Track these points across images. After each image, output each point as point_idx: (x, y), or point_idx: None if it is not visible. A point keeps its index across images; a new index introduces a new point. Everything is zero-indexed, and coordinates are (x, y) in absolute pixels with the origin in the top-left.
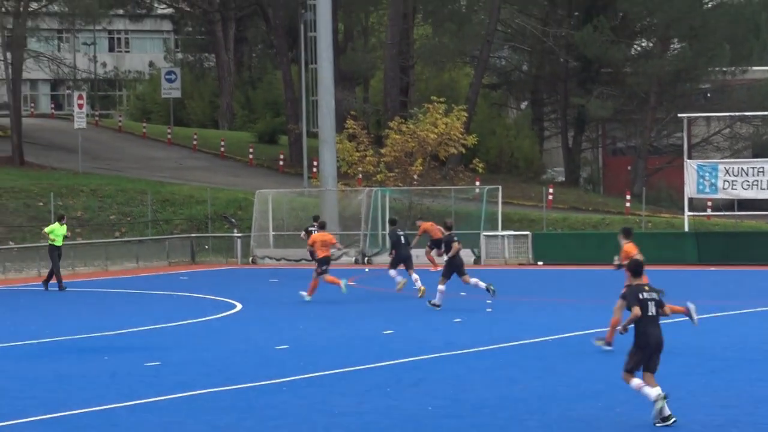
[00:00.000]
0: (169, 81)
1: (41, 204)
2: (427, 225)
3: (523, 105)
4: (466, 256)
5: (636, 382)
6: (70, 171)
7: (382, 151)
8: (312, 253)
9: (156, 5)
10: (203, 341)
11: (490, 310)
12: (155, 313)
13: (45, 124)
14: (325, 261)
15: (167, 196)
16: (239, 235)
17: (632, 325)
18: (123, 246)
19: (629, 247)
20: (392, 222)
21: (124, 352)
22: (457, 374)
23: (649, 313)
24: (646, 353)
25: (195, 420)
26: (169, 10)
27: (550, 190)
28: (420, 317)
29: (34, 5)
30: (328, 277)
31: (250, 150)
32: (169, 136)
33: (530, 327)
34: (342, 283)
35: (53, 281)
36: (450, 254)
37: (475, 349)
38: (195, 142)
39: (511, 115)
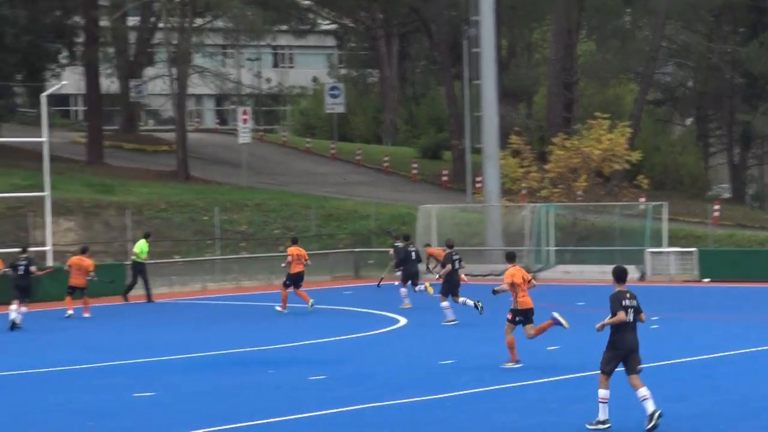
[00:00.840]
0: (333, 96)
1: (206, 218)
2: (433, 250)
3: (688, 121)
4: (632, 271)
5: (603, 393)
6: (235, 185)
7: (546, 167)
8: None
9: (320, 21)
10: (368, 356)
11: (656, 326)
12: (320, 327)
13: (210, 138)
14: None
15: (331, 210)
16: None
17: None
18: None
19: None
20: (406, 237)
21: (288, 365)
22: (621, 392)
23: (627, 319)
24: (619, 355)
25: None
26: (333, 26)
27: (716, 207)
28: (585, 334)
29: (199, 21)
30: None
31: (414, 165)
32: (333, 151)
33: (695, 344)
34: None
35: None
36: (443, 272)
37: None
38: (358, 158)
39: (675, 132)
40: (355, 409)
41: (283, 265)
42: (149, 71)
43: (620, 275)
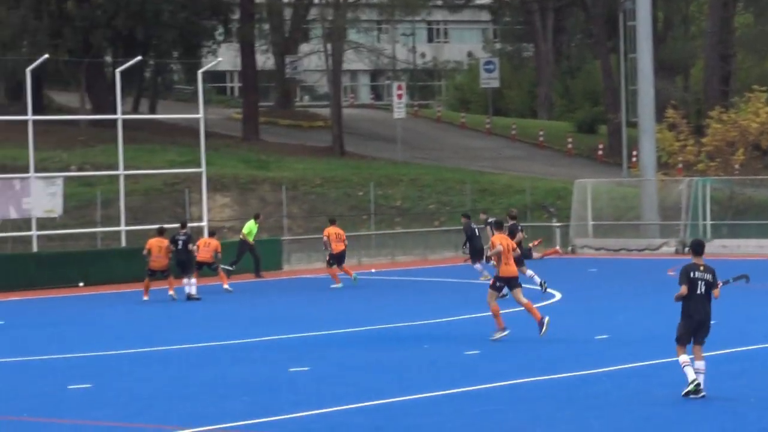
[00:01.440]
0: (488, 71)
1: (361, 193)
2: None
3: None
4: None
5: (683, 358)
6: (390, 161)
7: (703, 140)
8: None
9: None
10: (522, 330)
11: None
12: (474, 302)
13: (364, 114)
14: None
15: (486, 185)
16: (558, 224)
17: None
18: (442, 235)
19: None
20: (466, 216)
21: (443, 340)
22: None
23: (698, 292)
24: (691, 325)
25: (514, 409)
26: (488, 1)
27: None
28: (743, 308)
29: None
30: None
31: (569, 140)
32: (488, 126)
33: None
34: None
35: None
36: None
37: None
38: (513, 132)
39: None
40: (510, 384)
41: (324, 248)
42: (304, 47)
43: (696, 248)
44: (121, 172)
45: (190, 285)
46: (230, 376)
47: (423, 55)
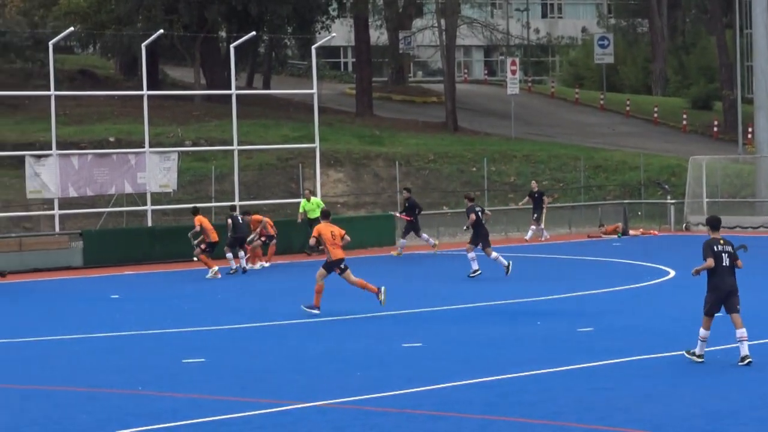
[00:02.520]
0: (602, 47)
1: (474, 169)
2: None
3: None
4: None
5: (703, 333)
6: (503, 137)
7: None
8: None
9: None
10: (636, 308)
11: None
12: (587, 279)
13: (478, 90)
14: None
15: (600, 162)
16: (672, 201)
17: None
18: (555, 212)
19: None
20: (470, 198)
21: (556, 317)
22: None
23: (723, 264)
24: (719, 297)
25: (626, 385)
26: None
27: None
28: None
29: None
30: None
31: (684, 116)
32: (602, 102)
33: None
34: None
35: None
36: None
37: None
38: (627, 108)
39: None
40: (622, 361)
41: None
42: (418, 23)
43: (714, 224)
44: (235, 147)
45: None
46: (344, 351)
47: (537, 31)
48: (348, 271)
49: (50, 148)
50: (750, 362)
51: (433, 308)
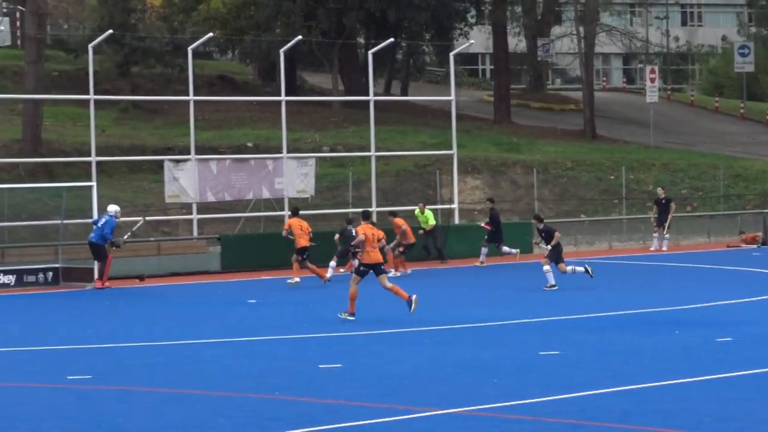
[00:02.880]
0: (743, 55)
1: (612, 177)
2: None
3: None
4: None
5: None
6: (641, 145)
7: None
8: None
9: None
10: None
11: None
12: (726, 288)
13: (616, 98)
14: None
15: (739, 171)
16: None
17: None
18: (694, 221)
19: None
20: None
21: (694, 326)
22: None
23: None
24: None
25: (764, 396)
26: None
27: None
28: None
29: None
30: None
31: None
32: (742, 111)
33: None
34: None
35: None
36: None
37: None
38: None
39: None
40: (763, 371)
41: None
42: (556, 30)
43: None
44: (372, 153)
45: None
46: (480, 359)
47: (676, 39)
48: (384, 275)
49: (189, 153)
50: None
51: (570, 316)
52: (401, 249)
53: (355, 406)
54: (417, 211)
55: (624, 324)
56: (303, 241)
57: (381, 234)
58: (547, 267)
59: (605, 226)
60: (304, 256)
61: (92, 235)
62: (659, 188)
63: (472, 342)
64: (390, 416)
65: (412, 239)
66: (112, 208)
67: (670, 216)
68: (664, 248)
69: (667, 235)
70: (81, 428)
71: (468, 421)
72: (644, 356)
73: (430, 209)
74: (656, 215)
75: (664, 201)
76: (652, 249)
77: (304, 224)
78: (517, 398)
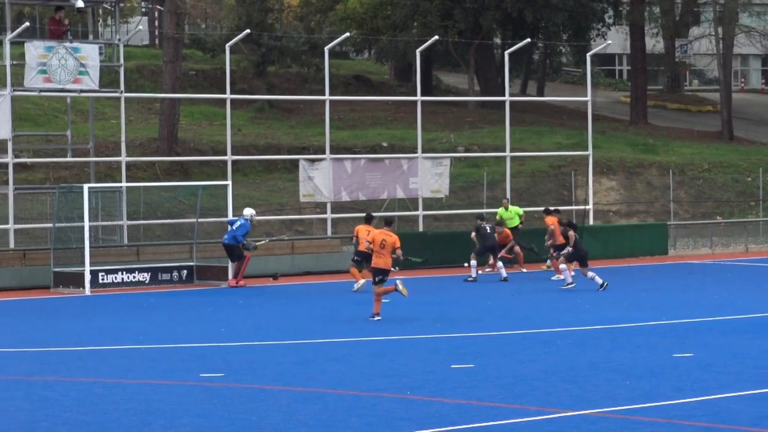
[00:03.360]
0: None
1: (749, 179)
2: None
3: None
4: None
5: None
6: None
7: None
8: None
9: None
10: None
11: None
12: None
13: (755, 99)
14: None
15: None
16: None
17: None
18: None
19: None
20: (480, 217)
21: None
22: None
23: None
24: None
25: None
26: None
27: None
28: None
29: None
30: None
31: None
32: None
33: None
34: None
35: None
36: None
37: None
38: None
39: None
40: None
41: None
42: (694, 31)
43: None
44: (507, 153)
45: (500, 268)
46: (613, 360)
47: None
48: (382, 285)
49: (324, 153)
50: None
51: (705, 318)
52: (551, 250)
53: (486, 407)
54: (501, 209)
55: (758, 327)
56: (363, 248)
57: (391, 240)
58: (563, 266)
59: (741, 228)
60: (358, 259)
61: (226, 236)
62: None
63: (605, 344)
64: (521, 417)
65: (560, 240)
66: (248, 212)
67: None
68: None
69: None
70: (214, 426)
71: (600, 423)
72: None
73: (563, 210)
74: None
75: None
76: None
77: (376, 233)
78: (650, 401)
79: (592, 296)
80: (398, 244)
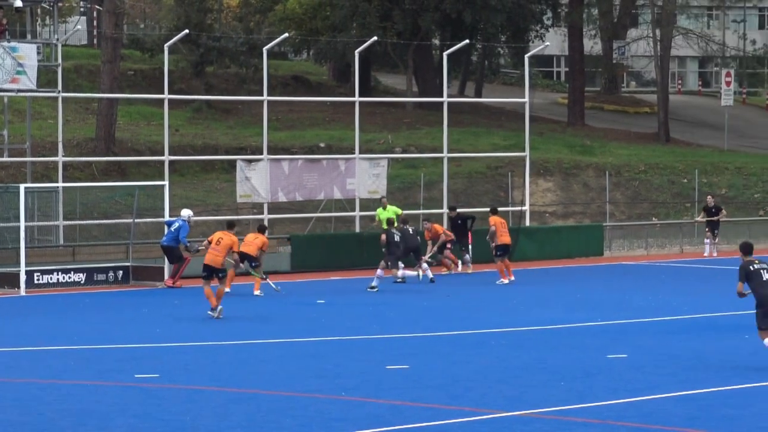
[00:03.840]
0: None
1: (685, 181)
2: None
3: None
4: None
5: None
6: (715, 148)
7: None
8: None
9: None
10: None
11: None
12: None
13: (691, 101)
14: None
15: None
16: None
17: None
18: (765, 225)
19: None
20: (404, 221)
21: None
22: None
23: (764, 279)
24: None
25: None
26: None
27: None
28: None
29: None
30: None
31: None
32: None
33: None
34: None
35: None
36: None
37: None
38: None
39: None
40: None
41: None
42: (632, 33)
43: (745, 249)
44: (444, 154)
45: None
46: (547, 361)
47: (753, 42)
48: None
49: (261, 153)
50: None
51: (638, 320)
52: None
53: (422, 408)
54: (379, 209)
55: (691, 328)
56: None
57: (228, 240)
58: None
59: (677, 229)
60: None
61: (164, 238)
62: (709, 196)
63: (540, 345)
64: (456, 418)
65: (501, 240)
66: (186, 213)
67: (719, 219)
68: (715, 254)
69: (716, 241)
70: (148, 426)
71: (534, 424)
72: (710, 361)
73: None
74: (705, 221)
75: (713, 209)
76: (704, 255)
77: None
78: (584, 401)
79: (527, 297)
80: (236, 248)
